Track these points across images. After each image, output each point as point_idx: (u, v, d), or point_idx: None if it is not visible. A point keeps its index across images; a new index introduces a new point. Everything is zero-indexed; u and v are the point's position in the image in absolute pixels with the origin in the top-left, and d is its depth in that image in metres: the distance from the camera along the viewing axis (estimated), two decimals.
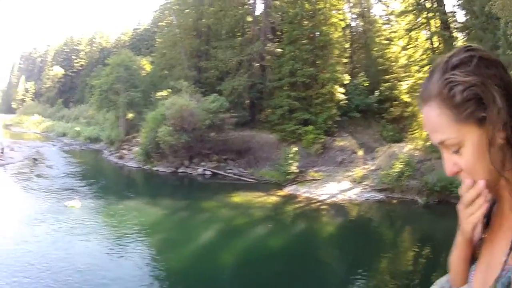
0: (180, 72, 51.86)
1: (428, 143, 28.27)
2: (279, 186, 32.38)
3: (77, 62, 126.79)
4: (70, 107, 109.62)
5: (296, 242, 21.75)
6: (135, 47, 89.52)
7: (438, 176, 24.74)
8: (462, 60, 1.03)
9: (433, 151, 26.00)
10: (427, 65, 33.43)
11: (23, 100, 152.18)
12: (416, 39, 38.24)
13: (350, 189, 29.30)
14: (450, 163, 1.10)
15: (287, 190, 30.99)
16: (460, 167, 1.07)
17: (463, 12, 34.12)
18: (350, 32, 49.66)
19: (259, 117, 44.93)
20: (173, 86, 46.65)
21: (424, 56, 36.27)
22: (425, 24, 37.03)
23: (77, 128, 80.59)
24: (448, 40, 34.76)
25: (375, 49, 47.38)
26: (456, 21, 36.56)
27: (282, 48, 42.75)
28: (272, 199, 29.70)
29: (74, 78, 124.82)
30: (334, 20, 40.81)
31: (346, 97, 39.59)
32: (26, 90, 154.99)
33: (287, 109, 39.35)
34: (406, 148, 31.07)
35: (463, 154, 1.02)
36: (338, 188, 29.37)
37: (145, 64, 65.02)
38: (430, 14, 36.14)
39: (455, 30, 36.62)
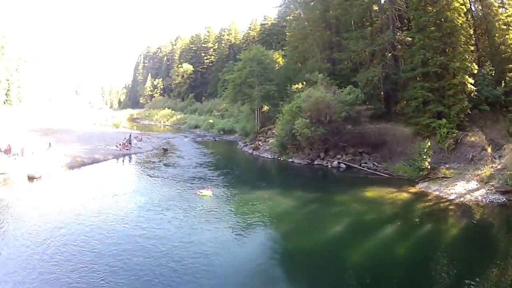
0: (313, 64, 54.58)
1: None
2: (412, 182, 32.87)
3: (206, 59, 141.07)
4: (202, 101, 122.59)
5: (421, 245, 21.69)
6: (265, 42, 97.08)
7: None
8: None
9: None
10: None
11: (151, 96, 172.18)
12: None
13: (477, 189, 29.17)
14: None
15: (419, 187, 31.47)
16: None
17: None
18: (471, 17, 47.50)
19: (394, 109, 45.55)
20: (308, 78, 49.81)
21: None
22: None
23: (211, 120, 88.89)
24: None
25: (496, 35, 45.21)
26: None
27: (411, 37, 42.88)
28: (404, 196, 30.29)
29: (204, 74, 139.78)
30: (456, 4, 39.76)
31: (475, 88, 38.69)
32: (154, 86, 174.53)
33: (421, 101, 39.33)
34: None
35: None
36: (467, 188, 29.47)
37: (278, 58, 69.95)
38: None
39: None
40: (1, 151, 38.45)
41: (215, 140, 74.39)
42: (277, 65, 67.34)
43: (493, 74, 41.04)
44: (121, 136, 63.82)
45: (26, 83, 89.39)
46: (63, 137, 58.54)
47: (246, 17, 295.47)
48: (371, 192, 32.04)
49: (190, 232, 23.90)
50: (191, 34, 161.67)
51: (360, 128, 43.09)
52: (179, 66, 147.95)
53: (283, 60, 69.99)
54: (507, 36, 43.95)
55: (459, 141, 35.79)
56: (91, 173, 40.80)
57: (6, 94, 62.08)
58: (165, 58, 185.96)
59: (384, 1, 50.48)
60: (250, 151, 57.18)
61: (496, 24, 44.86)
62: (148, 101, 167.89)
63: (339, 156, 43.70)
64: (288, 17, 79.25)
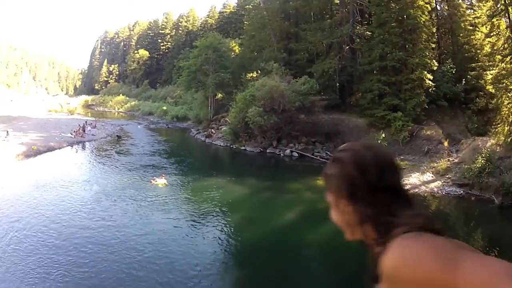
0: (269, 54, 54.54)
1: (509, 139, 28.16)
2: None
3: (163, 45, 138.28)
4: (156, 87, 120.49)
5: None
6: (223, 30, 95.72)
7: None
8: (342, 157, 1.80)
9: None
10: (509, 54, 32.46)
11: (106, 82, 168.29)
12: (498, 26, 35.90)
13: (433, 181, 29.53)
14: (331, 214, 1.90)
15: None
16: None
17: None
18: (436, 16, 49.22)
19: (349, 100, 46.28)
20: (263, 67, 49.69)
21: (506, 45, 34.21)
22: (504, 11, 34.91)
23: (164, 107, 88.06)
24: None
25: (460, 35, 46.81)
26: None
27: (371, 31, 43.71)
28: None
29: (160, 60, 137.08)
30: (420, 2, 40.50)
31: (434, 84, 39.67)
32: (110, 72, 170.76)
33: (377, 94, 40.08)
34: (489, 143, 30.69)
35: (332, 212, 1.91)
36: (421, 179, 29.72)
37: (234, 46, 69.79)
38: (508, 1, 34.05)
39: None
40: None
41: (168, 127, 74.01)
42: (233, 53, 67.43)
43: (453, 72, 42.45)
44: (76, 123, 62.61)
45: None
46: (20, 124, 57.49)
47: (206, 4, 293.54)
48: (323, 181, 32.25)
49: (146, 221, 23.47)
50: (149, 20, 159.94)
51: (314, 118, 43.42)
52: (136, 52, 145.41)
53: (240, 48, 69.89)
54: (472, 37, 45.47)
55: (414, 134, 36.54)
56: (46, 161, 39.79)
57: None
58: (122, 43, 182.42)
59: None
60: (203, 138, 57.19)
61: (462, 24, 46.46)
62: (103, 87, 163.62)
63: (291, 145, 43.88)
64: (247, 6, 79.11)
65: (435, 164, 31.76)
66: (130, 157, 43.77)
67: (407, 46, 40.95)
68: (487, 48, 39.94)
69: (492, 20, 35.58)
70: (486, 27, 38.89)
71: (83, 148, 50.55)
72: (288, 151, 43.02)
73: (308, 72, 47.21)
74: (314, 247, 20.55)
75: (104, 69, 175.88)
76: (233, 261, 19.42)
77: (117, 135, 59.71)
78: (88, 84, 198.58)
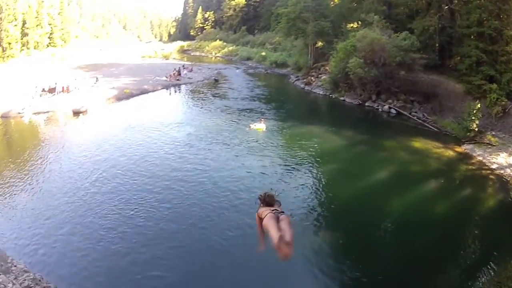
0: (369, 5, 52.72)
1: None
2: (458, 141, 32.16)
3: None
4: (254, 34, 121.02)
5: (458, 209, 21.27)
6: None
7: None
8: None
9: None
10: None
11: (202, 28, 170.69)
12: None
13: None
14: None
15: (464, 148, 30.74)
16: None
17: None
18: None
19: (448, 63, 44.29)
20: (363, 19, 48.82)
21: None
22: None
23: (263, 53, 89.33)
24: None
25: None
26: None
27: None
28: (449, 153, 29.89)
29: (257, 8, 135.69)
30: None
31: None
32: (205, 19, 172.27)
33: (475, 60, 38.24)
34: None
35: None
36: (508, 161, 28.16)
37: None
38: None
39: None
40: (45, 91, 39.68)
41: (267, 73, 75.42)
42: (332, 2, 65.63)
43: None
44: (171, 67, 65.34)
45: (70, 24, 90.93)
46: (111, 71, 60.56)
47: None
48: (419, 143, 32.06)
49: (239, 165, 25.30)
50: None
51: (414, 76, 42.18)
52: None
53: None
54: None
55: (507, 110, 34.41)
56: (139, 103, 42.58)
57: (49, 37, 64.21)
58: None
59: None
60: (302, 85, 58.15)
61: None
62: (198, 33, 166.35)
63: (390, 100, 43.51)
64: None
65: None
66: (227, 100, 45.61)
67: (501, 16, 38.31)
68: None
69: None
70: None
71: (179, 90, 53.04)
72: (386, 106, 42.72)
73: (408, 28, 45.46)
74: (400, 209, 20.92)
75: (199, 16, 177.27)
76: (318, 214, 20.13)
77: (214, 79, 62.15)
78: (183, 31, 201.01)
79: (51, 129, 31.54)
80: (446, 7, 44.53)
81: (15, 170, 22.63)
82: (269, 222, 6.62)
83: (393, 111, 41.78)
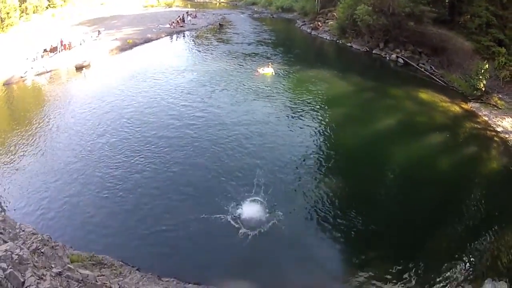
0: None
1: None
2: (464, 98, 32.23)
3: None
4: None
5: (462, 167, 21.67)
6: None
7: None
8: None
9: None
10: None
11: None
12: None
13: None
14: None
15: (471, 106, 30.85)
16: None
17: None
18: None
19: (458, 20, 43.46)
20: None
21: None
22: None
23: None
24: None
25: None
26: None
27: None
28: (455, 109, 30.06)
29: None
30: None
31: None
32: None
33: (485, 21, 37.96)
34: None
35: None
36: None
37: None
38: None
39: None
40: (47, 51, 39.27)
41: (273, 17, 74.71)
42: None
43: None
44: (174, 15, 64.51)
45: None
46: (113, 23, 59.66)
47: None
48: (425, 95, 32.25)
49: (247, 109, 26.34)
50: None
51: (422, 28, 41.54)
52: None
53: None
54: None
55: None
56: (143, 52, 42.58)
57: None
58: None
59: None
60: (309, 30, 58.14)
61: None
62: None
63: (398, 50, 43.35)
64: None
65: None
66: (233, 45, 45.64)
67: None
68: None
69: None
70: None
71: (183, 37, 52.77)
72: (394, 55, 42.63)
73: None
74: (404, 160, 21.49)
75: None
76: (323, 160, 20.93)
77: (219, 23, 61.50)
78: None
79: (54, 88, 31.58)
80: None
81: (20, 135, 22.97)
82: None
83: (400, 60, 41.69)
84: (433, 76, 37.34)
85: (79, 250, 13.17)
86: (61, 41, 41.22)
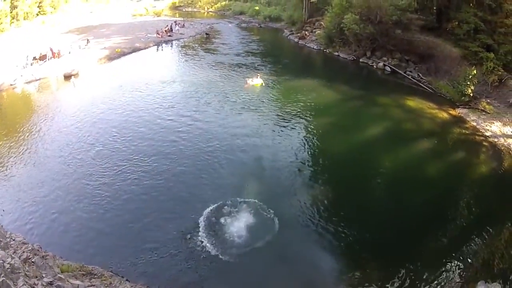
0: None
1: None
2: (452, 104, 32.36)
3: None
4: None
5: (450, 172, 21.75)
6: None
7: None
8: None
9: None
10: None
11: None
12: None
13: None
14: None
15: (458, 112, 30.97)
16: None
17: None
18: None
19: (445, 26, 43.78)
20: None
21: None
22: None
23: (257, 7, 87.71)
24: None
25: None
26: None
27: None
28: (443, 115, 30.20)
29: None
30: None
31: None
32: None
33: (473, 27, 38.25)
34: None
35: None
36: (502, 131, 28.40)
37: None
38: None
39: None
40: (36, 59, 39.08)
41: (260, 27, 74.98)
42: None
43: None
44: (162, 24, 64.69)
45: None
46: (102, 31, 59.69)
47: None
48: (413, 102, 32.48)
49: (236, 119, 26.49)
50: None
51: (410, 35, 41.88)
52: None
53: None
54: None
55: (503, 81, 34.34)
56: (131, 62, 42.66)
57: (38, 6, 62.95)
58: None
59: None
60: (296, 40, 58.56)
61: None
62: None
63: (385, 58, 43.68)
64: None
65: None
66: (220, 55, 45.89)
67: None
68: None
69: None
70: None
71: (171, 46, 52.89)
72: (381, 64, 42.96)
73: None
74: (392, 167, 21.59)
75: None
76: (311, 168, 21.12)
77: (205, 33, 61.81)
78: None
79: (43, 96, 31.51)
80: None
81: (9, 143, 22.82)
82: None
83: (387, 68, 42.01)
84: (420, 83, 37.65)
85: (69, 260, 13.00)
86: (51, 49, 41.03)
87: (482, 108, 31.29)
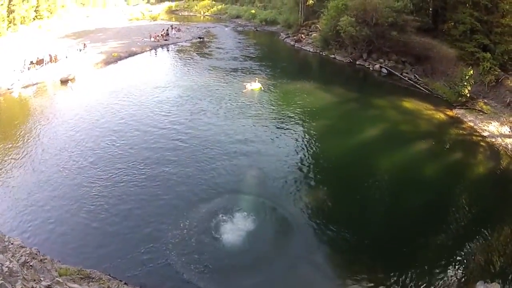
0: None
1: None
2: (449, 105, 32.44)
3: None
4: None
5: (448, 173, 21.73)
6: None
7: None
8: None
9: None
10: None
11: None
12: None
13: (509, 136, 27.89)
14: None
15: (455, 112, 31.08)
16: None
17: None
18: None
19: (441, 27, 44.02)
20: None
21: None
22: None
23: (253, 11, 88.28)
24: None
25: None
26: None
27: None
28: (440, 116, 30.29)
29: None
30: None
31: None
32: None
33: (469, 28, 38.32)
34: None
35: None
36: (500, 130, 28.47)
37: None
38: None
39: None
40: (33, 63, 39.08)
41: (256, 30, 75.33)
42: None
43: None
44: (159, 28, 64.77)
45: None
46: (99, 36, 59.82)
47: None
48: (409, 104, 32.55)
49: (235, 124, 26.46)
50: None
51: (406, 37, 42.04)
52: None
53: None
54: None
55: (500, 81, 34.38)
56: (128, 66, 42.76)
57: (35, 10, 63.13)
58: None
59: None
60: (292, 43, 58.80)
61: None
62: None
63: (381, 60, 43.83)
64: None
65: None
66: (218, 60, 45.99)
67: None
68: None
69: None
70: None
71: (167, 51, 53.10)
72: (377, 66, 43.05)
73: None
74: (390, 168, 21.64)
75: None
76: (309, 171, 21.09)
77: (199, 37, 62.19)
78: None
79: (40, 101, 31.48)
80: None
81: (6, 147, 22.76)
82: None
83: (384, 70, 42.13)
84: (417, 85, 37.75)
85: (67, 264, 12.88)
86: (50, 55, 41.07)
87: (479, 108, 31.38)
